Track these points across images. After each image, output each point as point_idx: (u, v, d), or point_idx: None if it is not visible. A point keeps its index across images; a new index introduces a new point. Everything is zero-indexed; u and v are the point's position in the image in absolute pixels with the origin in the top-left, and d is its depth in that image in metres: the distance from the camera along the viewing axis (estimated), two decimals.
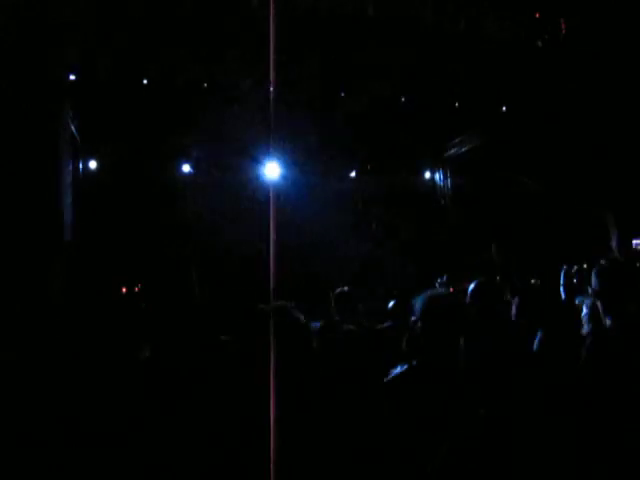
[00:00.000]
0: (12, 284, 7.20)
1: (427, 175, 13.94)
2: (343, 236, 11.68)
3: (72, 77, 9.40)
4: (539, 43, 8.85)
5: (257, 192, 10.12)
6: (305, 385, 2.76)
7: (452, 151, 13.21)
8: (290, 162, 10.85)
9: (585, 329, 3.52)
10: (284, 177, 10.46)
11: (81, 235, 9.54)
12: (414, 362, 2.79)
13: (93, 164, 11.37)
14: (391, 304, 4.88)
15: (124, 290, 9.28)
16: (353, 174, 13.05)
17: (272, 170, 10.65)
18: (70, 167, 10.24)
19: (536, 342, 3.08)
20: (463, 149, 12.93)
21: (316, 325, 3.78)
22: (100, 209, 10.59)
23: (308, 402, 2.71)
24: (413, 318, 2.94)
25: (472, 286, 3.27)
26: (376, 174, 12.99)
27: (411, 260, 11.85)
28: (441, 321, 2.75)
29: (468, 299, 3.22)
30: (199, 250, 9.84)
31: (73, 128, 10.39)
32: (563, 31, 8.53)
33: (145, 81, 10.04)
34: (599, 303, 2.87)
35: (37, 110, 8.78)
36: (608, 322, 2.79)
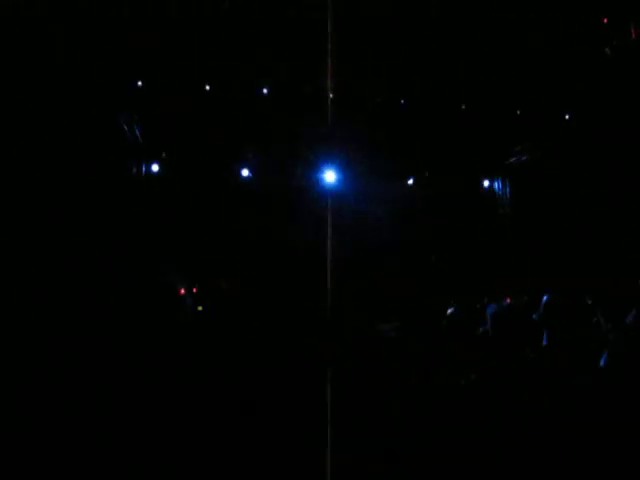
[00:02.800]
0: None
1: (486, 183, 13.72)
2: (399, 243, 11.62)
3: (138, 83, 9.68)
4: (607, 50, 8.60)
5: (315, 198, 10.18)
6: None
7: (512, 159, 12.96)
8: (348, 169, 10.88)
9: None
10: (342, 184, 10.49)
11: (145, 236, 9.79)
12: (472, 376, 2.77)
13: (155, 167, 11.64)
14: (450, 311, 4.86)
15: (182, 291, 9.48)
16: (410, 181, 12.96)
17: (330, 176, 10.71)
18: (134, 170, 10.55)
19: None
20: (524, 158, 12.67)
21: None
22: (161, 210, 10.84)
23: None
24: (482, 329, 2.94)
25: (545, 300, 3.21)
26: (434, 181, 12.87)
27: (468, 269, 11.69)
28: (513, 331, 2.74)
29: (541, 312, 3.16)
30: (258, 253, 9.97)
31: (137, 132, 10.70)
32: (633, 37, 8.26)
33: (207, 87, 10.24)
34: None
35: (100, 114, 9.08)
36: None
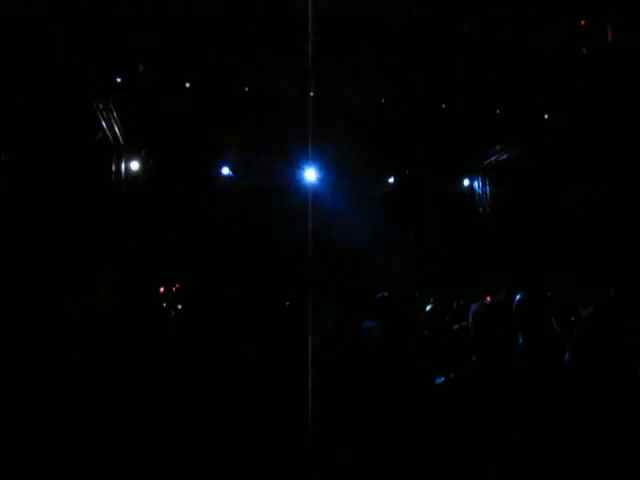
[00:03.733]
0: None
1: (466, 182, 13.81)
2: (378, 241, 11.66)
3: (117, 80, 9.59)
4: (584, 50, 8.70)
5: (295, 197, 10.17)
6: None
7: (492, 158, 13.06)
8: (328, 167, 10.88)
9: None
10: (322, 182, 10.49)
11: (121, 235, 9.71)
12: (451, 375, 2.78)
13: (135, 165, 11.54)
14: (428, 307, 4.91)
15: (162, 290, 9.43)
16: (391, 180, 13.00)
17: (310, 175, 10.71)
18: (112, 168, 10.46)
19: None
20: (503, 157, 12.77)
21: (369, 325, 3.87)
22: (141, 209, 10.77)
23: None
24: (456, 326, 2.95)
25: (519, 297, 3.22)
26: (415, 180, 12.93)
27: (446, 267, 11.77)
28: (494, 328, 2.76)
29: (515, 309, 3.18)
30: (237, 251, 9.93)
31: (117, 130, 10.61)
32: (610, 38, 8.36)
33: (187, 84, 10.18)
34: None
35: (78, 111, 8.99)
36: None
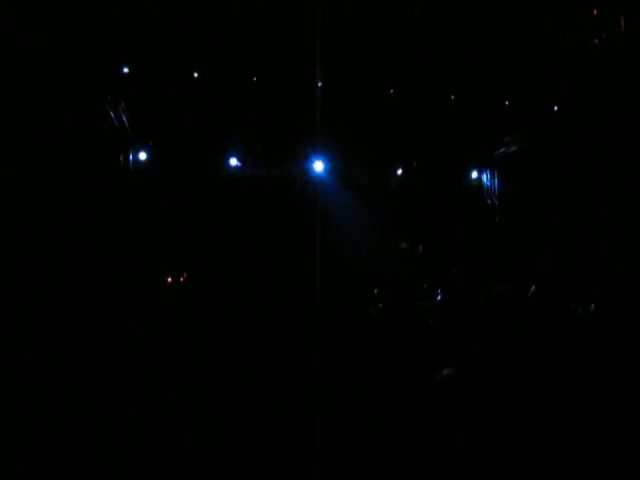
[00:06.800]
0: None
1: (474, 174, 13.74)
2: (386, 233, 11.65)
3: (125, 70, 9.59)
4: (596, 41, 8.61)
5: (303, 187, 10.16)
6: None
7: (501, 150, 12.99)
8: (336, 159, 10.87)
9: None
10: (330, 174, 10.47)
11: (130, 225, 9.74)
12: (459, 365, 2.78)
13: (143, 155, 11.54)
14: (439, 298, 4.93)
15: (170, 280, 9.46)
16: (400, 172, 12.96)
17: (318, 166, 10.70)
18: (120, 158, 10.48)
19: None
20: (512, 149, 12.69)
21: None
22: (149, 199, 10.79)
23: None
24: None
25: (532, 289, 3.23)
26: (423, 172, 12.88)
27: (456, 259, 11.75)
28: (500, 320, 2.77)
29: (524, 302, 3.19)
30: (243, 241, 9.94)
31: (125, 120, 10.61)
32: (622, 29, 8.27)
33: (195, 74, 10.16)
34: None
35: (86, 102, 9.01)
36: None
